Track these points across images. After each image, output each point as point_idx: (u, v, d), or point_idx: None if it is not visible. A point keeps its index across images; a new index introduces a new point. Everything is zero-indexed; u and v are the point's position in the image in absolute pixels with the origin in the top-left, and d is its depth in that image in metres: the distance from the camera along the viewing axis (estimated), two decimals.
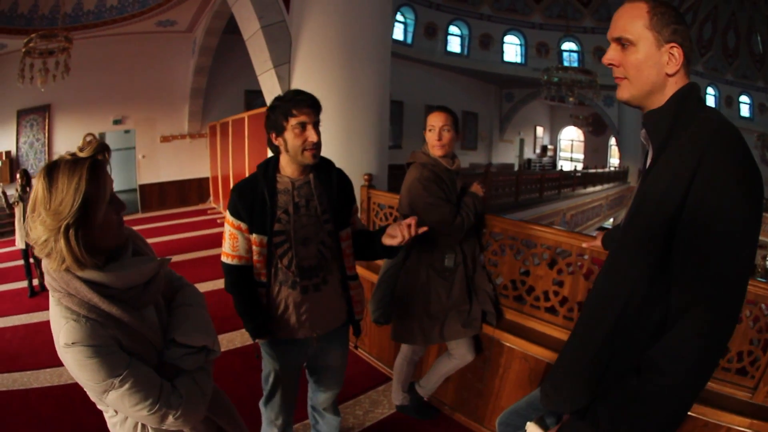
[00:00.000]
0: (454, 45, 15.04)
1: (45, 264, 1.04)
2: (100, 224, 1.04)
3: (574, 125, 20.55)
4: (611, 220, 16.68)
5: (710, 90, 16.49)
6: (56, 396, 2.99)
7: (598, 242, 1.92)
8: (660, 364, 0.96)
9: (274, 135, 1.67)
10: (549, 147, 22.13)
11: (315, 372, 1.98)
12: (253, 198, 1.65)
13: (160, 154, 11.00)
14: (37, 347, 3.76)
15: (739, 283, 0.93)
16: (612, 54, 1.07)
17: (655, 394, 0.96)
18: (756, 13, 14.53)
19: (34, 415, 2.81)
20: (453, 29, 14.89)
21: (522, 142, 20.40)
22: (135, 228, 1.30)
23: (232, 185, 9.10)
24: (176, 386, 1.12)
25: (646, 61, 1.03)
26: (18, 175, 5.48)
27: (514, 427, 1.56)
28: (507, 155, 19.44)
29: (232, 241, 1.69)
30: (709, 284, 0.92)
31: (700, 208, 0.92)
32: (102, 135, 10.49)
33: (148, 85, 10.50)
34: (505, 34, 15.32)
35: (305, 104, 1.62)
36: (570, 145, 22.72)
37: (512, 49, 15.64)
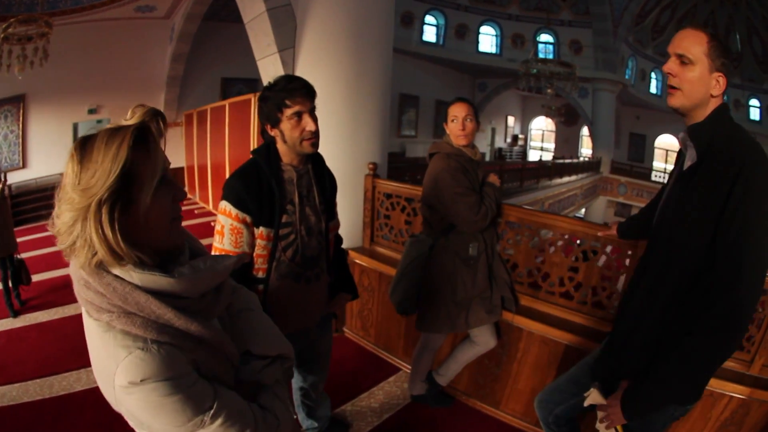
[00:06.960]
0: (429, 34, 15.09)
1: (76, 271, 0.78)
2: (147, 209, 0.76)
3: (546, 115, 20.93)
4: (583, 210, 17.19)
5: None
6: (50, 409, 2.64)
7: (613, 231, 2.04)
8: (705, 328, 1.18)
9: (269, 126, 1.58)
10: (520, 136, 22.55)
11: (308, 360, 1.92)
12: (259, 188, 1.52)
13: None
14: (22, 356, 3.30)
15: (762, 276, 1.18)
16: (672, 65, 1.28)
17: (704, 351, 1.19)
18: (752, 14, 14.55)
19: None
20: (429, 18, 14.91)
21: (493, 131, 20.71)
22: None
23: (210, 175, 8.83)
24: (264, 407, 0.93)
25: (699, 80, 1.24)
26: None
27: (555, 403, 1.67)
28: (478, 144, 19.39)
29: (236, 236, 1.52)
30: (742, 278, 1.15)
31: (737, 213, 1.15)
32: (75, 125, 10.17)
33: (125, 73, 10.23)
34: (481, 25, 15.48)
35: (299, 93, 1.51)
36: (541, 135, 23.21)
37: (488, 40, 15.82)
